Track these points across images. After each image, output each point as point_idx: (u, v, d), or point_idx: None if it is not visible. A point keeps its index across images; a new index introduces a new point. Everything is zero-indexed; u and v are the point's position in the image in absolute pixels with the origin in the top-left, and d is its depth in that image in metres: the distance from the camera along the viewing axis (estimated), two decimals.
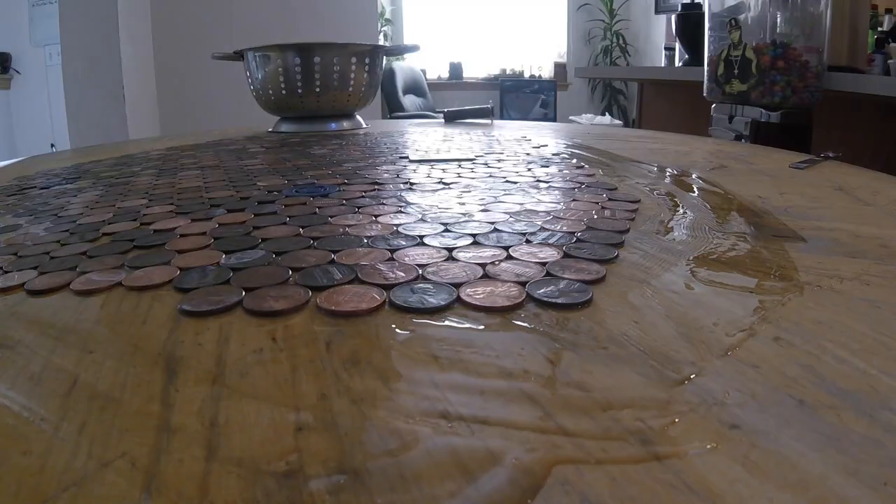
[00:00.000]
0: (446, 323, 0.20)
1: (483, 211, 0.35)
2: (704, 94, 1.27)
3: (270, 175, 0.51)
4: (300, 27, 2.13)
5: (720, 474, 0.12)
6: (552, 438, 0.14)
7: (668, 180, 0.45)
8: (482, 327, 0.20)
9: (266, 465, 0.13)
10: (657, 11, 4.60)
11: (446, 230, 0.30)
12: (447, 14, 5.10)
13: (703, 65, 1.27)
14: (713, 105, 1.26)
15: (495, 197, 0.39)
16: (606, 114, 4.56)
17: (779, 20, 1.04)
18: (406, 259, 0.26)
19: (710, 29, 1.22)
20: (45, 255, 0.29)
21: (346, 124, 0.93)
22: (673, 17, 2.59)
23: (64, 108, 1.96)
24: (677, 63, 2.50)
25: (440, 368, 0.17)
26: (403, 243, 0.28)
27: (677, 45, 2.29)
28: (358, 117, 0.96)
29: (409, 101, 4.16)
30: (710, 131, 1.25)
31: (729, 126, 1.19)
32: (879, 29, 1.95)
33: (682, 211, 0.35)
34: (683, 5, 1.97)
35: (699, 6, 1.73)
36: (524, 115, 4.65)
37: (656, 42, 4.54)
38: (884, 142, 1.24)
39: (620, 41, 4.93)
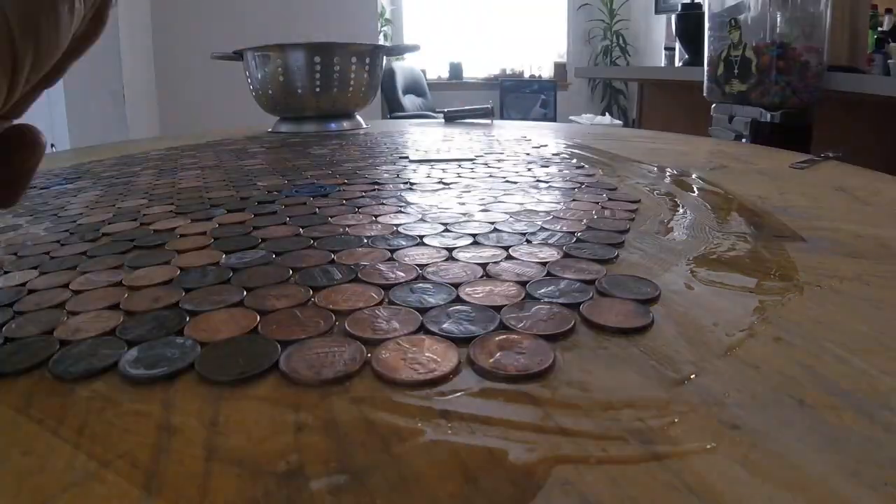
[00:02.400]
0: None
1: (483, 211, 0.35)
2: (704, 94, 1.27)
3: (270, 175, 0.51)
4: (300, 27, 2.13)
5: (720, 474, 0.12)
6: (552, 438, 0.14)
7: (668, 180, 0.45)
8: None
9: (266, 465, 0.13)
10: (657, 11, 4.60)
11: (446, 230, 0.30)
12: (447, 14, 5.10)
13: (703, 65, 1.27)
14: (713, 105, 1.26)
15: (495, 197, 0.39)
16: (606, 114, 4.56)
17: (779, 20, 1.04)
18: (406, 259, 0.26)
19: (710, 29, 1.22)
20: (45, 255, 0.29)
21: (346, 124, 0.93)
22: (673, 18, 2.59)
23: (64, 108, 1.96)
24: (677, 63, 2.50)
25: None
26: (403, 243, 0.28)
27: (677, 45, 2.29)
28: (358, 117, 0.96)
29: (409, 101, 4.16)
30: (710, 131, 1.25)
31: (729, 126, 1.19)
32: (879, 29, 1.95)
33: (681, 211, 0.35)
34: (683, 5, 1.97)
35: (699, 6, 1.74)
36: (524, 115, 4.65)
37: (656, 42, 4.54)
38: (884, 142, 1.24)
39: (620, 41, 4.93)
